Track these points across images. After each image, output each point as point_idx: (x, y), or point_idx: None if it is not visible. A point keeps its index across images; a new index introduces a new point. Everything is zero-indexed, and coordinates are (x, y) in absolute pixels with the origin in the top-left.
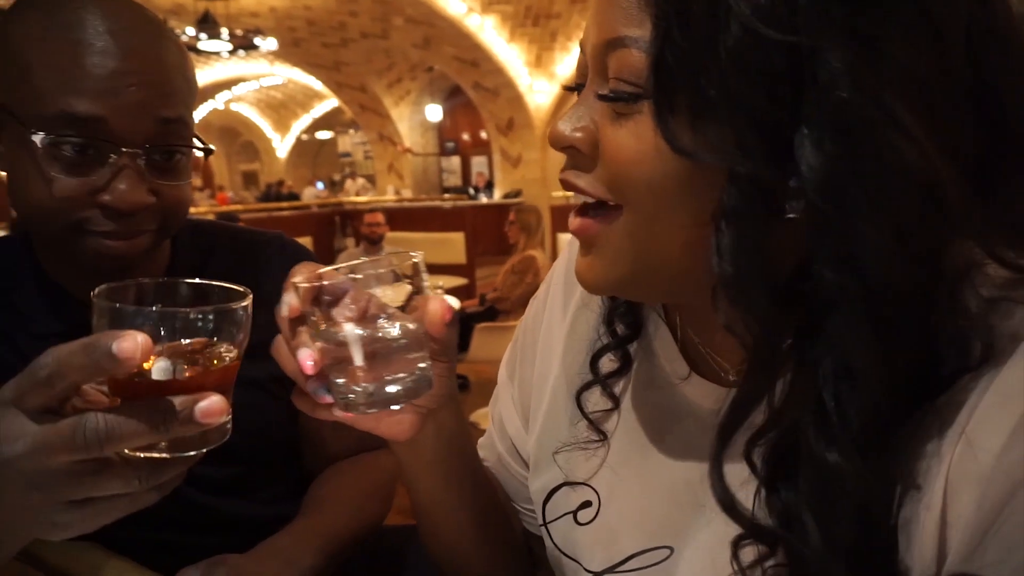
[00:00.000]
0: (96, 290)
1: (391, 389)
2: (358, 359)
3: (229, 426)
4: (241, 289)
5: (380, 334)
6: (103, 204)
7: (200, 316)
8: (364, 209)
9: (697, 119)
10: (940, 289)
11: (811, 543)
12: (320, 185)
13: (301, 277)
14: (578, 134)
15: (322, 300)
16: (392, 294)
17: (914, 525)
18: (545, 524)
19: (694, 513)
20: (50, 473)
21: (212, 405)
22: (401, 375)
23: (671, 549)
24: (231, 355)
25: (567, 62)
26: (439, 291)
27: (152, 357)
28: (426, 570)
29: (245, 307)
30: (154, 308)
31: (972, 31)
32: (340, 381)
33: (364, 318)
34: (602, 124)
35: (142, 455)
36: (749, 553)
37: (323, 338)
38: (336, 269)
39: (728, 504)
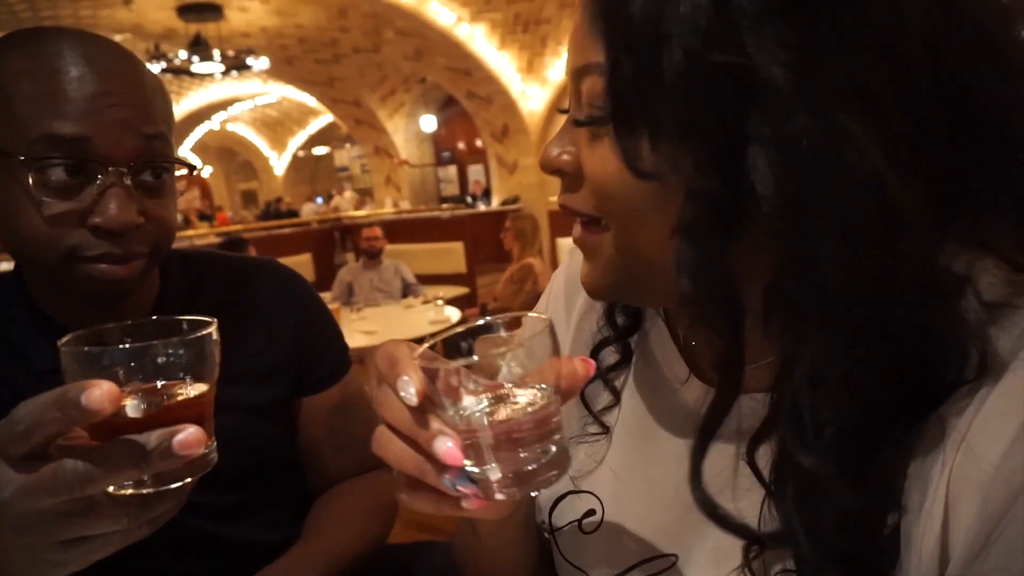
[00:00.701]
0: (62, 340)
1: (533, 467)
2: (499, 440)
3: (214, 456)
4: (207, 319)
5: (516, 409)
6: (94, 226)
7: (167, 348)
8: (363, 223)
9: (654, 140)
10: (914, 296)
11: (801, 546)
12: (319, 200)
13: (417, 355)
14: (564, 157)
15: (437, 378)
16: (530, 360)
17: (916, 532)
18: (552, 532)
19: (697, 519)
20: (39, 515)
21: (189, 437)
22: (542, 451)
23: (676, 556)
24: (204, 384)
25: (559, 67)
26: (439, 303)
27: (125, 396)
28: None
29: (211, 334)
30: (119, 346)
31: (929, 28)
32: (477, 468)
33: (497, 392)
34: (581, 146)
35: (128, 492)
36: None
37: (457, 422)
38: (453, 338)
39: (711, 511)
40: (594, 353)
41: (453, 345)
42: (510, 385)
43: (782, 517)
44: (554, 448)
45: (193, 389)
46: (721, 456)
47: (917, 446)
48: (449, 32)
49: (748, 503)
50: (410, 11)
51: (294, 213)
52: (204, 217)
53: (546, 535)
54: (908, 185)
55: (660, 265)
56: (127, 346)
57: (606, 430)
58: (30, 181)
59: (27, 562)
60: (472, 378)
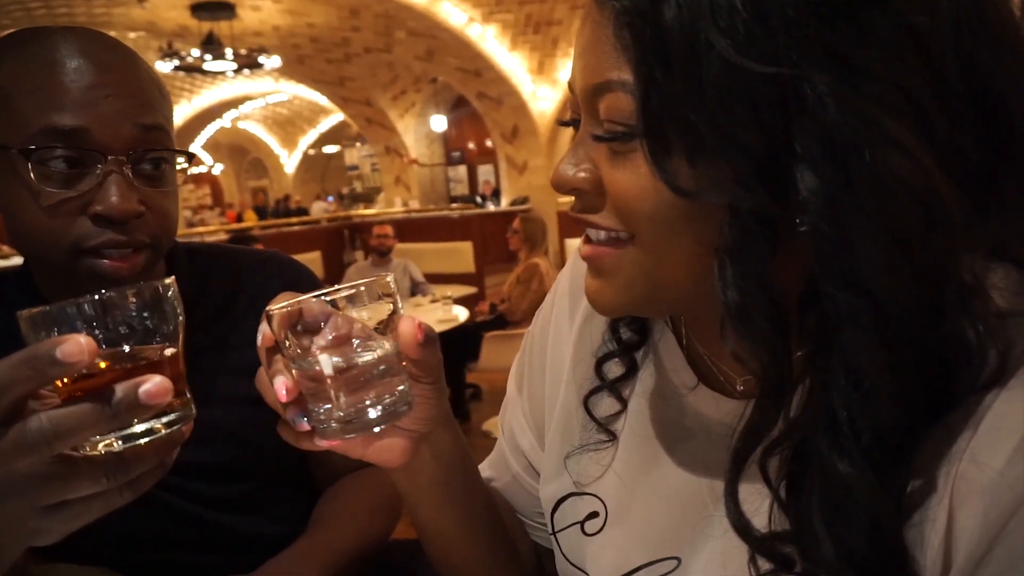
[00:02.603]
0: (19, 312)
1: (369, 414)
2: (331, 385)
3: (189, 413)
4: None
5: (354, 358)
6: (95, 214)
7: (125, 299)
8: (372, 222)
9: (692, 156)
10: (951, 303)
11: (824, 554)
12: (330, 199)
13: (276, 305)
14: (582, 174)
15: (299, 328)
16: (374, 316)
17: (921, 538)
18: (554, 533)
19: (702, 523)
20: (18, 479)
21: (155, 386)
22: (378, 398)
23: (678, 560)
24: (168, 342)
25: (570, 68)
26: (447, 300)
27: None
28: None
29: (171, 284)
30: (78, 300)
31: (960, 31)
32: (316, 408)
33: (339, 343)
34: (602, 163)
35: (101, 451)
36: (765, 563)
37: (297, 365)
38: (316, 296)
39: (743, 528)
40: (598, 365)
41: (324, 301)
42: (357, 341)
43: (800, 524)
44: (394, 397)
45: (159, 347)
46: (721, 459)
47: (926, 453)
48: (460, 33)
49: (748, 507)
50: (422, 11)
51: (303, 211)
52: (259, 210)
53: (550, 536)
54: (955, 189)
55: (686, 279)
56: (87, 298)
57: (613, 437)
58: (31, 174)
59: (9, 531)
60: (329, 333)
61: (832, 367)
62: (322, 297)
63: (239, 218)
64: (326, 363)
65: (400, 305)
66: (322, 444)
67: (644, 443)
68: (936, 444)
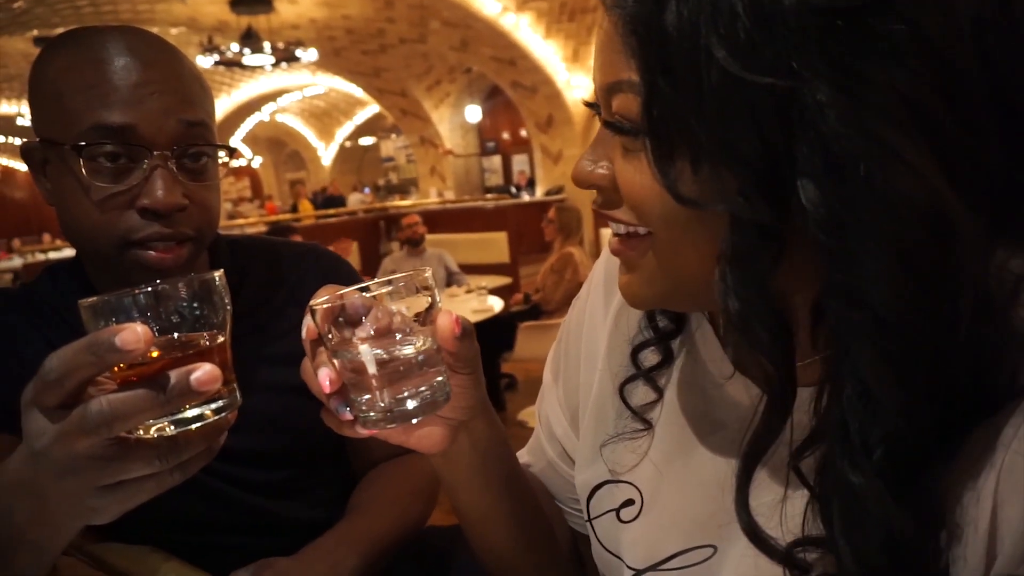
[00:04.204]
0: (80, 301)
1: (408, 404)
2: (372, 376)
3: (235, 400)
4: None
5: (394, 351)
6: (142, 208)
7: (177, 290)
8: (406, 213)
9: (694, 163)
10: (965, 314)
11: (845, 562)
12: (367, 190)
13: (319, 299)
14: (600, 171)
15: (341, 320)
16: (412, 308)
17: (961, 542)
18: (590, 520)
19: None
20: (77, 459)
21: (205, 373)
22: (417, 390)
23: (714, 548)
24: (217, 331)
25: None
26: (482, 291)
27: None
28: (473, 571)
29: (220, 276)
30: (134, 290)
31: (981, 30)
32: (358, 399)
33: (380, 336)
34: (616, 160)
35: (154, 434)
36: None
37: (339, 357)
38: (357, 289)
39: (753, 533)
40: (634, 353)
41: (365, 295)
42: (397, 334)
43: (826, 528)
44: (433, 387)
45: (208, 336)
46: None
47: (965, 457)
48: (495, 22)
49: (790, 506)
50: (455, 1)
51: (342, 200)
52: (328, 199)
53: (585, 523)
54: (964, 202)
55: (705, 277)
56: (142, 290)
57: (649, 426)
58: (82, 169)
59: (68, 508)
60: (369, 325)
61: (842, 377)
62: (363, 290)
63: (294, 208)
64: (367, 355)
65: (439, 299)
66: (363, 432)
67: (680, 432)
68: (978, 446)
